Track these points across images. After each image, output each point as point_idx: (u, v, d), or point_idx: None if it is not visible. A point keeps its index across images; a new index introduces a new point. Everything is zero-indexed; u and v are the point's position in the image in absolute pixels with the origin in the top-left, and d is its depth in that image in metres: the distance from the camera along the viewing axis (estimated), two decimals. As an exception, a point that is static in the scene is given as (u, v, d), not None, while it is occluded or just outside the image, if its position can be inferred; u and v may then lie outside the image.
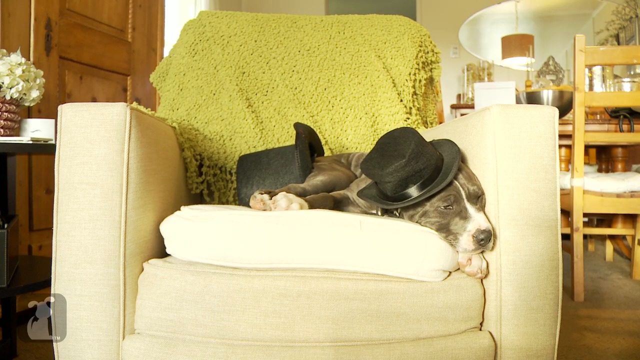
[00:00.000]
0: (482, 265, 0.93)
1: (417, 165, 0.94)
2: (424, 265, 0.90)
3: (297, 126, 1.29)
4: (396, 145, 0.98)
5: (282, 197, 0.99)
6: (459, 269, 0.95)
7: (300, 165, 1.23)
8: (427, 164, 0.95)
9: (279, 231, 0.90)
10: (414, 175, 0.95)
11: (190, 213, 0.96)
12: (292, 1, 5.23)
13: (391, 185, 0.96)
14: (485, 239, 0.90)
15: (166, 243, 0.96)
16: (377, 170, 0.97)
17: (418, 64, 1.59)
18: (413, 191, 0.96)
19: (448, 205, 0.94)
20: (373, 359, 0.86)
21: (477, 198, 0.95)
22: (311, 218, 0.92)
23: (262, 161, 1.31)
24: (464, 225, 0.92)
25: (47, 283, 1.32)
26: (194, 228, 0.92)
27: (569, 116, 2.69)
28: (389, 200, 0.99)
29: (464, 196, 0.94)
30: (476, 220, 0.92)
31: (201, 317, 0.86)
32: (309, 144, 1.31)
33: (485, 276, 0.94)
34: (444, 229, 0.94)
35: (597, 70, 2.83)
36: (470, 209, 0.93)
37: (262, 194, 1.02)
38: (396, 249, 0.90)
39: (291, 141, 1.49)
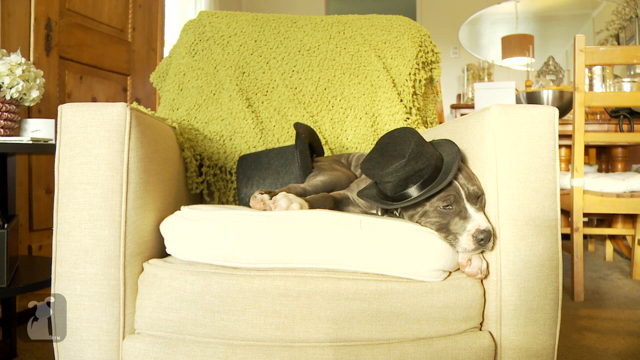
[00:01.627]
0: (482, 266, 0.93)
1: (417, 165, 0.94)
2: (424, 265, 0.90)
3: (297, 126, 1.29)
4: (396, 145, 0.98)
5: (282, 197, 0.99)
6: (459, 269, 0.95)
7: (300, 165, 1.23)
8: (427, 164, 0.95)
9: (278, 231, 0.90)
10: (414, 175, 0.95)
11: (190, 213, 0.96)
12: (292, 1, 5.23)
13: (391, 185, 0.96)
14: (485, 239, 0.90)
15: (166, 243, 0.96)
16: (377, 170, 0.97)
17: (418, 64, 1.59)
18: (413, 191, 0.96)
19: (447, 205, 0.95)
20: (373, 359, 0.86)
21: (477, 198, 0.95)
22: (311, 218, 0.92)
23: (262, 161, 1.31)
24: (464, 225, 0.92)
25: (47, 283, 1.32)
26: (194, 228, 0.92)
27: (569, 116, 2.69)
28: (389, 200, 0.99)
29: (463, 196, 0.94)
30: (476, 220, 0.92)
31: (201, 317, 0.86)
32: (309, 144, 1.31)
33: (485, 277, 0.94)
34: (444, 229, 0.94)
35: (597, 70, 2.83)
36: (470, 209, 0.94)
37: (262, 193, 1.02)
38: (396, 249, 0.90)
39: (291, 141, 1.48)
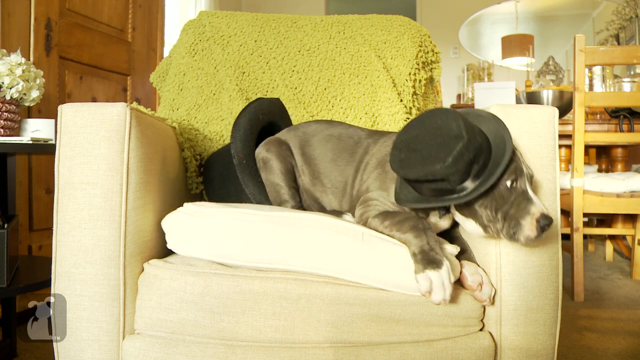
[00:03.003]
0: (491, 293, 0.89)
1: (476, 141, 0.80)
2: None
3: (248, 107, 1.14)
4: (439, 129, 0.83)
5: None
6: (456, 281, 0.90)
7: (251, 192, 1.10)
8: (483, 137, 0.82)
9: (280, 232, 0.89)
10: (479, 153, 0.80)
11: (193, 209, 0.95)
12: (292, 1, 5.23)
13: (457, 176, 0.81)
14: (546, 226, 0.78)
15: (167, 238, 0.95)
16: (431, 166, 0.81)
17: (418, 64, 1.59)
18: (471, 180, 0.82)
19: (514, 181, 0.81)
20: (373, 359, 0.86)
21: (531, 179, 0.85)
22: (314, 222, 0.91)
23: (224, 162, 1.22)
24: (527, 207, 0.80)
25: (47, 283, 1.32)
26: (197, 224, 0.92)
27: (569, 116, 2.69)
28: (452, 194, 0.84)
29: (525, 172, 0.82)
30: (538, 204, 0.80)
31: (201, 318, 0.86)
32: (269, 123, 1.20)
33: (492, 303, 0.90)
34: (501, 217, 0.81)
35: (597, 70, 2.83)
36: (529, 189, 0.81)
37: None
38: (396, 265, 0.87)
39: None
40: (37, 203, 1.93)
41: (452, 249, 0.91)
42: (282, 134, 1.20)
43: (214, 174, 1.25)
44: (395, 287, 0.87)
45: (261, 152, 1.14)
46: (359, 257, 0.88)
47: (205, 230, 0.91)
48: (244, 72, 1.57)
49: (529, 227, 0.80)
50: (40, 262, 1.57)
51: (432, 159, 0.82)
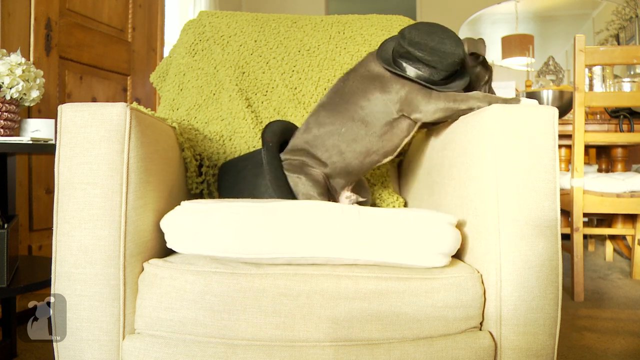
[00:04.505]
0: None
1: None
2: (426, 248, 0.90)
3: (267, 129, 1.24)
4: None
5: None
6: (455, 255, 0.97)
7: (270, 180, 1.17)
8: None
9: (277, 221, 0.90)
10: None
11: (190, 206, 0.95)
12: (292, 1, 5.23)
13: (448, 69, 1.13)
14: None
15: (166, 237, 0.95)
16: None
17: (418, 64, 1.59)
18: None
19: None
20: (373, 359, 0.86)
21: None
22: (309, 208, 0.92)
23: (239, 168, 1.28)
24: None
25: (47, 283, 1.32)
26: (194, 221, 0.92)
27: (569, 116, 2.69)
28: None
29: None
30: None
31: (201, 316, 0.87)
32: (284, 141, 1.28)
33: None
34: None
35: (597, 70, 2.83)
36: None
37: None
38: (395, 233, 0.90)
39: (291, 141, 1.48)
40: (37, 203, 1.93)
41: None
42: None
43: (228, 179, 1.29)
44: (394, 257, 0.90)
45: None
46: (356, 233, 0.90)
47: (204, 226, 0.91)
48: (244, 72, 1.57)
49: None
50: (40, 262, 1.57)
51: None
